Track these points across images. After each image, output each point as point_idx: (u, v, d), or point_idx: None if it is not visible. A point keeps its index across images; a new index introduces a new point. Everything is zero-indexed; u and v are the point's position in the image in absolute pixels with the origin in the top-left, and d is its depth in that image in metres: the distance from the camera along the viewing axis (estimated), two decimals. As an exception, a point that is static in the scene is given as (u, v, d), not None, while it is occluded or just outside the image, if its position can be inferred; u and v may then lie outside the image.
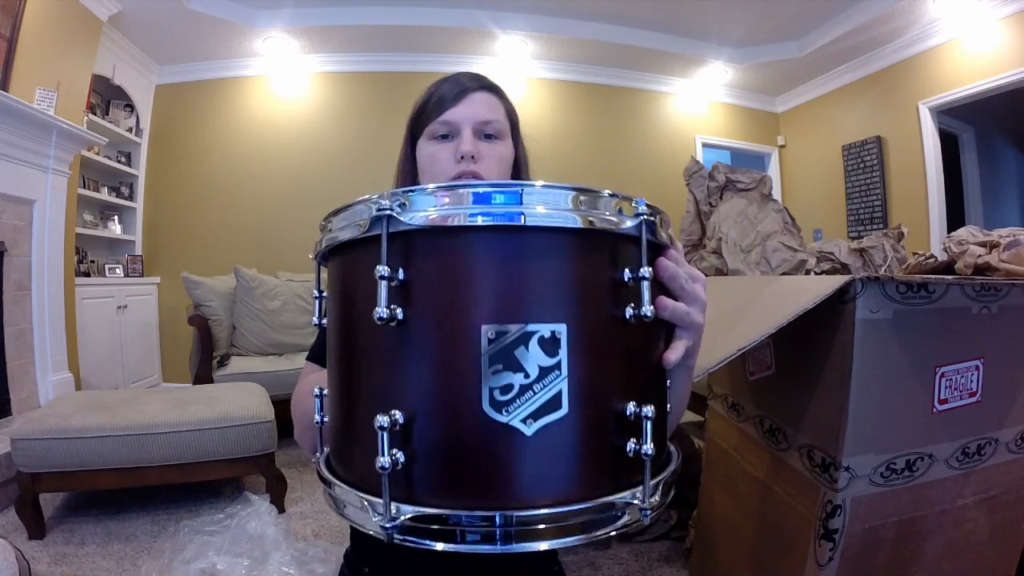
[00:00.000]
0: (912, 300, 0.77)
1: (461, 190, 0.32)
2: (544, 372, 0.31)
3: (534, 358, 0.31)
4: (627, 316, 0.34)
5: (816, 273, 1.45)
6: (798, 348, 0.89)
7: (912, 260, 1.15)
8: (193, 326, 3.02)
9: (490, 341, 0.31)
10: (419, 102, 0.74)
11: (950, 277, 0.84)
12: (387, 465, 0.31)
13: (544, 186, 0.32)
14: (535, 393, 0.31)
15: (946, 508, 0.83)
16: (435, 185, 0.33)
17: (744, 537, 1.07)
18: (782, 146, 5.13)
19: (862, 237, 1.70)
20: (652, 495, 0.34)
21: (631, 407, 0.34)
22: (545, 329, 0.32)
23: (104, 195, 3.74)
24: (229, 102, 4.14)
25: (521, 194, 0.32)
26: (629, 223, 0.34)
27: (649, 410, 0.33)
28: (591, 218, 0.33)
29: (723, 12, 3.79)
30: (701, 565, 1.33)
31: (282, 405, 2.10)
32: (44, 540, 1.82)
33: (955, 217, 3.96)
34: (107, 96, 3.81)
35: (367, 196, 0.35)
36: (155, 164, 4.06)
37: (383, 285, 0.31)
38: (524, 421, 0.31)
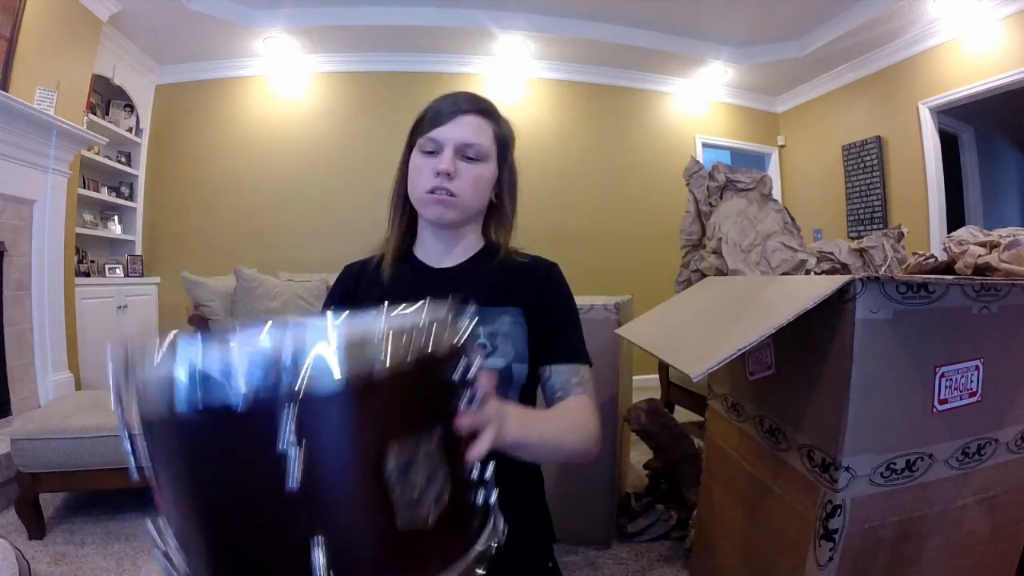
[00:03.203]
0: (912, 300, 0.77)
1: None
2: None
3: None
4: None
5: (816, 273, 1.45)
6: (798, 348, 0.89)
7: (912, 260, 1.15)
8: (193, 326, 3.02)
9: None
10: (420, 114, 0.81)
11: (950, 277, 0.84)
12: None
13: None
14: None
15: (946, 508, 0.82)
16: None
17: (744, 537, 1.07)
18: (782, 146, 5.13)
19: (862, 237, 1.70)
20: None
21: None
22: None
23: (104, 195, 3.74)
24: (229, 102, 4.14)
25: None
26: None
27: None
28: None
29: (723, 12, 3.79)
30: (701, 565, 1.33)
31: (282, 405, 2.09)
32: (44, 540, 1.82)
33: (955, 217, 3.95)
34: (107, 96, 3.80)
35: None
36: (155, 164, 4.06)
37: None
38: None
